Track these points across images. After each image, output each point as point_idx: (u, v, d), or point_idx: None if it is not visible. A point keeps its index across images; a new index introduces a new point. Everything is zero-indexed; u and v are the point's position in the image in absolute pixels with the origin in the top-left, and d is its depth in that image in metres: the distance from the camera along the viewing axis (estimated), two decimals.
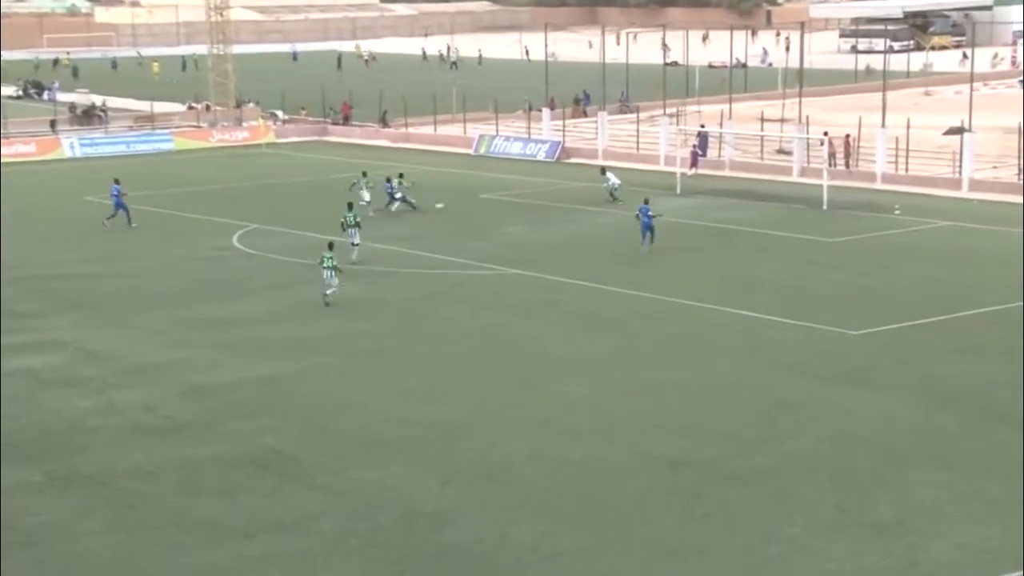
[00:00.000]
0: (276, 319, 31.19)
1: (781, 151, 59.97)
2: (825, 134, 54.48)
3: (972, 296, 32.41)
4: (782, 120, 66.48)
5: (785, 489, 20.03)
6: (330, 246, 32.36)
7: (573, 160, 63.07)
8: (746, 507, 19.43)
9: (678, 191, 49.76)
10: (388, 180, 47.16)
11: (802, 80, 63.56)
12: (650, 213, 38.07)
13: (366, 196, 45.29)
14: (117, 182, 44.95)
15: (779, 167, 56.70)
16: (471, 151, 66.73)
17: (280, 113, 78.08)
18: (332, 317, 31.26)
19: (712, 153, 59.66)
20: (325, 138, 74.99)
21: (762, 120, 62.45)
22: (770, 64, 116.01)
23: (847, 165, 55.22)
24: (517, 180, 55.57)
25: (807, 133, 56.41)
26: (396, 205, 46.51)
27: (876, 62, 73.48)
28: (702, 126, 61.37)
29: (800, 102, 59.60)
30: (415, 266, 37.61)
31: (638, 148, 63.11)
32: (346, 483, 20.49)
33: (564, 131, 66.16)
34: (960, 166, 51.78)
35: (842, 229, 42.70)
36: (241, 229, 43.82)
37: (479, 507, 19.59)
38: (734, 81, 69.91)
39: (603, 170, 48.91)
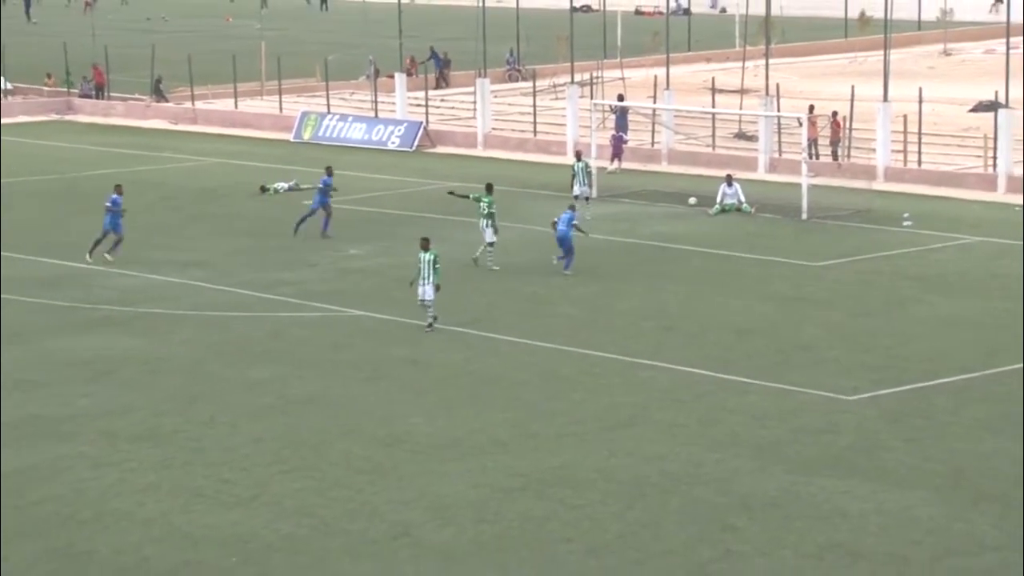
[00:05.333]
0: None
1: (741, 136, 60.81)
2: (811, 109, 55.40)
3: (1016, 344, 33.08)
4: (742, 91, 67.42)
5: None
6: (488, 188, 41.01)
7: (440, 149, 63.16)
8: None
9: (594, 194, 50.14)
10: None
11: (770, 33, 64.62)
12: (574, 222, 40.40)
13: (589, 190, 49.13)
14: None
15: (738, 159, 57.41)
16: (290, 136, 66.44)
17: (1, 80, 76.82)
18: (78, 383, 30.77)
19: (641, 138, 60.26)
20: (69, 117, 73.95)
21: (713, 91, 63.31)
22: (723, 9, 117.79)
23: (835, 156, 56.14)
24: (359, 179, 55.40)
25: (778, 110, 57.27)
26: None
27: (875, 7, 74.89)
28: (620, 97, 62.14)
29: (767, 65, 60.55)
30: (209, 307, 37.21)
31: (535, 132, 63.48)
32: None
33: (427, 107, 66.33)
34: (994, 157, 52.93)
35: (829, 249, 43.29)
36: None
37: None
38: (673, 34, 70.73)
39: (729, 179, 48.23)
